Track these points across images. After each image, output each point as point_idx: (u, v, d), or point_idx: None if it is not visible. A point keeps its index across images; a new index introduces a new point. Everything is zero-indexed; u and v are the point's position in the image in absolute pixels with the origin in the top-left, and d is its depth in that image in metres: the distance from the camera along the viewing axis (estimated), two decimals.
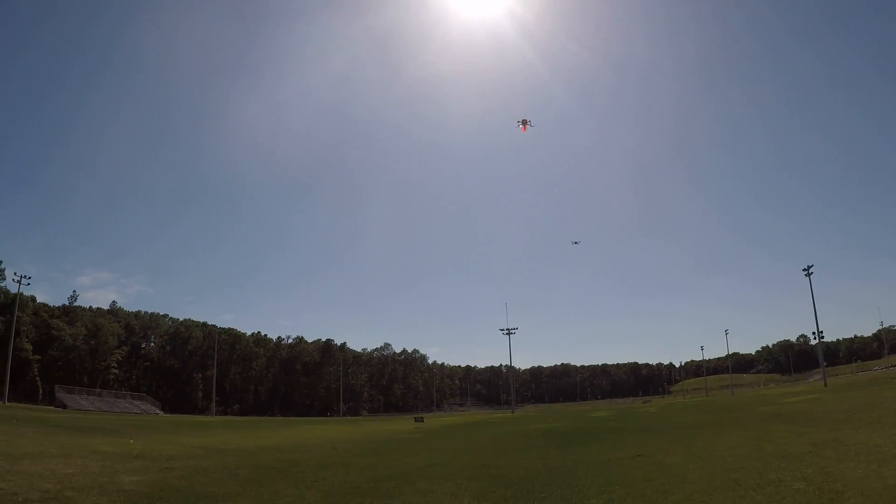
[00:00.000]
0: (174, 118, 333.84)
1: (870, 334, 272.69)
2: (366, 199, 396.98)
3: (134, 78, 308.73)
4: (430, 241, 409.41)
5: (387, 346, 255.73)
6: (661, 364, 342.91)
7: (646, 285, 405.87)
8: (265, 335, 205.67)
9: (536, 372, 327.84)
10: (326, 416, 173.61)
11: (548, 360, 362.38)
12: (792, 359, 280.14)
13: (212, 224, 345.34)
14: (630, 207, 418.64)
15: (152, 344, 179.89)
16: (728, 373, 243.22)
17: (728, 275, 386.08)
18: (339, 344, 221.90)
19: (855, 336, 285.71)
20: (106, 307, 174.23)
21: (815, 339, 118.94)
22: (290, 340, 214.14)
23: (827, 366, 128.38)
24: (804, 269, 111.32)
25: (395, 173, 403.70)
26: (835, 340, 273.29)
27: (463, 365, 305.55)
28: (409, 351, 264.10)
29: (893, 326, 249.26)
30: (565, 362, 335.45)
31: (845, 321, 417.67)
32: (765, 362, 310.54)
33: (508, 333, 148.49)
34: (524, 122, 64.32)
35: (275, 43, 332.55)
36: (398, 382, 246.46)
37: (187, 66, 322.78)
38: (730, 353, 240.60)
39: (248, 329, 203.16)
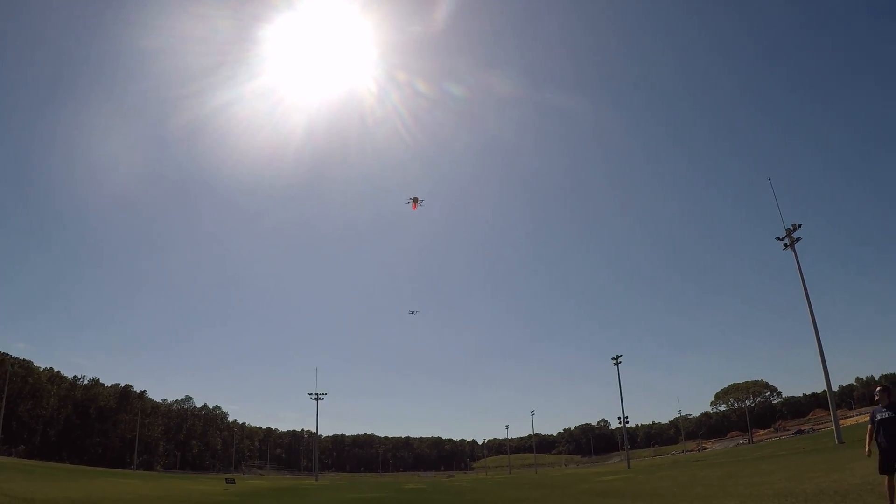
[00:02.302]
0: None
1: (667, 421, 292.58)
2: (182, 243, 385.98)
3: None
4: (244, 292, 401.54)
5: (188, 398, 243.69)
6: (463, 440, 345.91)
7: (453, 363, 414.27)
8: (59, 372, 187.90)
9: (339, 440, 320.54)
10: (130, 468, 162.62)
11: (351, 428, 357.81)
12: (592, 441, 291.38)
13: (12, 244, 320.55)
14: (454, 285, 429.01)
15: None
16: (531, 452, 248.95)
17: (534, 359, 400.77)
18: (137, 391, 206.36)
19: (653, 422, 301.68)
20: None
21: (619, 422, 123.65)
22: (86, 382, 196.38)
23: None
24: (613, 358, 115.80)
25: (218, 222, 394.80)
26: (634, 426, 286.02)
27: (264, 426, 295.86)
28: (211, 407, 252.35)
29: (690, 415, 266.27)
30: (369, 432, 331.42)
31: (644, 408, 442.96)
32: (566, 443, 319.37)
33: (317, 398, 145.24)
34: (414, 200, 62.70)
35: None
36: (196, 439, 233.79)
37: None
38: (535, 432, 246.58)
39: (42, 363, 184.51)
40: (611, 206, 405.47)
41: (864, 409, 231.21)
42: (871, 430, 14.13)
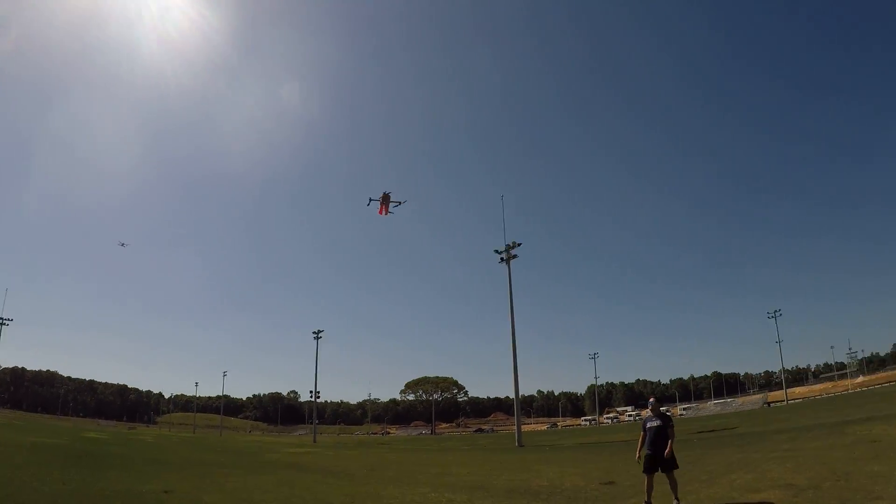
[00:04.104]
0: None
1: (355, 402, 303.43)
2: None
3: None
4: None
5: None
6: (150, 392, 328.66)
7: (149, 308, 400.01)
8: None
9: (18, 374, 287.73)
10: None
11: (33, 362, 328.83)
12: (280, 411, 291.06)
13: None
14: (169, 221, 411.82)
15: None
16: (219, 413, 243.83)
17: (232, 320, 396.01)
18: None
19: (342, 401, 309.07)
20: None
21: (311, 396, 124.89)
22: None
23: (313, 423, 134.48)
24: (314, 333, 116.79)
25: None
26: (323, 401, 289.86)
27: None
28: None
29: (378, 399, 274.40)
30: (52, 369, 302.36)
31: (335, 385, 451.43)
32: (254, 409, 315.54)
33: (1, 324, 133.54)
34: (384, 201, 47.61)
35: None
36: None
37: None
38: (224, 394, 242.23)
39: None
40: (344, 188, 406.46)
41: (541, 418, 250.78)
42: (642, 437, 15.46)
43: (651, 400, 16.18)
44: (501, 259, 73.46)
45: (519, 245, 73.64)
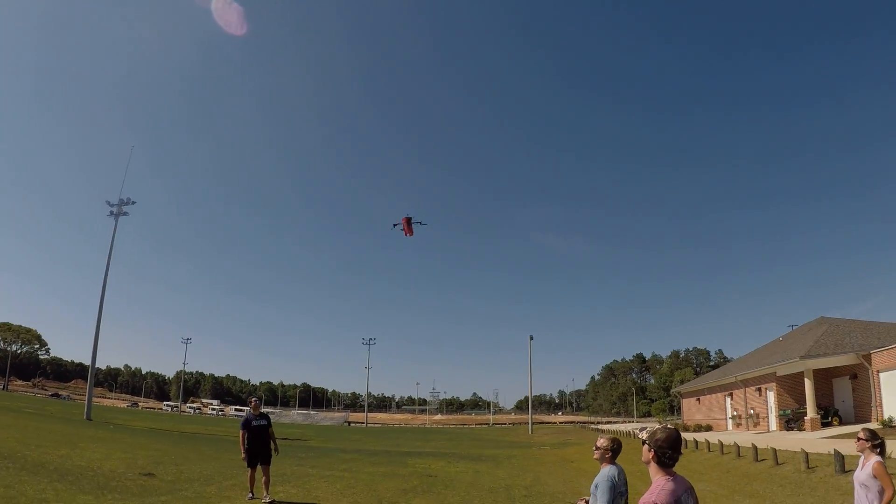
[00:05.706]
0: None
1: None
2: None
3: None
4: None
5: None
6: None
7: None
8: None
9: None
10: None
11: None
12: None
13: None
14: None
15: None
16: None
17: None
18: None
19: None
20: None
21: None
22: None
23: None
24: None
25: None
26: None
27: None
28: None
29: None
30: None
31: None
32: None
33: None
34: (407, 223, 42.47)
35: None
36: None
37: None
38: None
39: None
40: None
41: (125, 395, 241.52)
42: (243, 435, 16.74)
43: (255, 401, 17.71)
44: (111, 212, 68.87)
45: (133, 203, 70.15)
